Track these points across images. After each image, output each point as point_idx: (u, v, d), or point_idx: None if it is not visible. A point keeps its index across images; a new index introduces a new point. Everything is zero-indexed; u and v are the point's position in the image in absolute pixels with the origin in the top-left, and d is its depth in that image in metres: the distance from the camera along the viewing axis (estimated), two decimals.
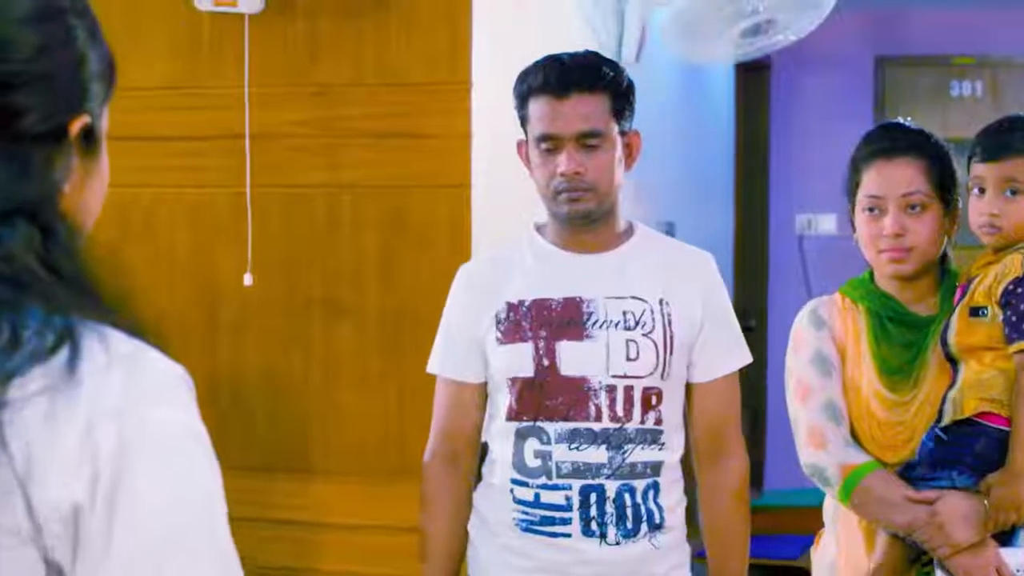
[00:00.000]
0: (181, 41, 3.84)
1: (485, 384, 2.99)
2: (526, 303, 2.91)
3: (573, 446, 2.86)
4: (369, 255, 3.73)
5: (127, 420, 1.17)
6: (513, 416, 2.91)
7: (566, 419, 2.86)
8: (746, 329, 8.05)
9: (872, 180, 2.83)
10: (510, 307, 2.92)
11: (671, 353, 2.90)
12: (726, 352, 2.99)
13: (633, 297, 2.91)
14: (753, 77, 7.56)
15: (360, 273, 3.74)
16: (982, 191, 2.77)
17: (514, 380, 2.90)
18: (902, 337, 2.84)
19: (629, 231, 3.01)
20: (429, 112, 3.68)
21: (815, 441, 2.82)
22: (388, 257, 3.70)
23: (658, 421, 2.89)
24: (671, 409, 2.92)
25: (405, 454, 3.62)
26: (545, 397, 2.87)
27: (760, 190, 7.79)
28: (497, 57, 3.71)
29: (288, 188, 3.79)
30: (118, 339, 1.21)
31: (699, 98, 6.71)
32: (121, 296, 1.24)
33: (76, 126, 1.30)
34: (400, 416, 3.70)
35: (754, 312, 7.67)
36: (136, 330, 1.23)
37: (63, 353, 1.17)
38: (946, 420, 2.70)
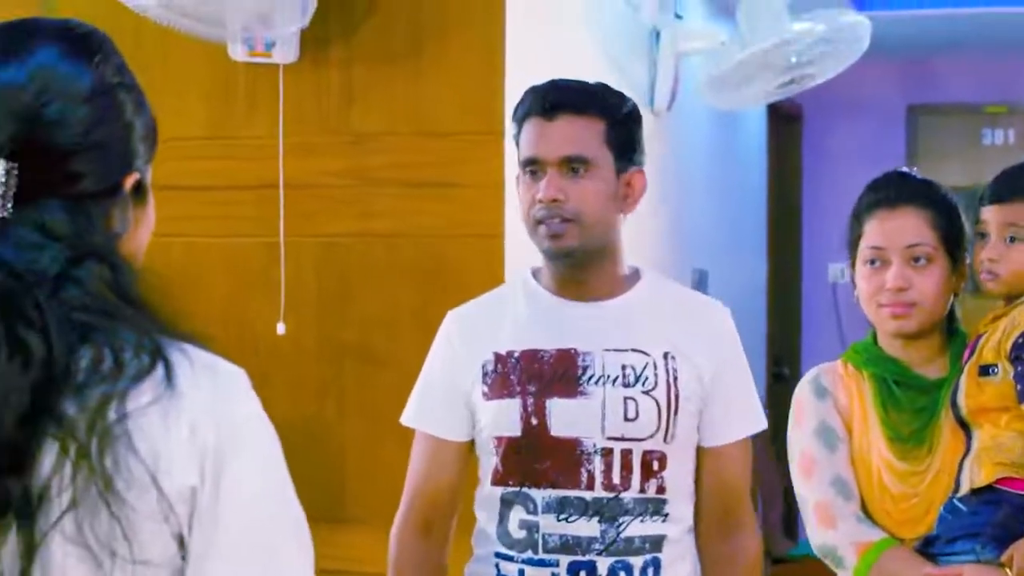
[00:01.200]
0: (216, 91, 3.87)
1: (468, 443, 2.69)
2: (515, 354, 2.61)
3: (562, 517, 2.56)
4: (402, 304, 3.73)
5: (220, 417, 1.44)
6: (498, 480, 2.61)
7: (554, 486, 2.56)
8: (779, 377, 7.95)
9: (874, 231, 2.65)
10: (498, 358, 2.62)
11: (675, 413, 2.59)
12: (740, 415, 2.69)
13: (634, 350, 2.60)
14: (786, 125, 7.56)
15: (393, 322, 3.74)
16: (983, 236, 2.64)
17: (500, 440, 2.60)
18: (912, 402, 2.66)
19: (635, 277, 2.70)
20: (463, 161, 3.69)
21: (824, 519, 2.64)
22: (421, 306, 3.69)
23: (660, 489, 2.58)
24: (678, 476, 2.61)
25: None
26: (533, 460, 2.57)
27: (793, 238, 7.79)
28: None
29: (321, 237, 3.81)
30: (194, 351, 1.46)
31: (732, 146, 6.72)
32: (176, 317, 1.48)
33: (128, 182, 1.51)
34: None
35: (787, 360, 7.65)
36: (199, 343, 1.48)
37: (160, 369, 1.41)
38: (964, 489, 2.54)
